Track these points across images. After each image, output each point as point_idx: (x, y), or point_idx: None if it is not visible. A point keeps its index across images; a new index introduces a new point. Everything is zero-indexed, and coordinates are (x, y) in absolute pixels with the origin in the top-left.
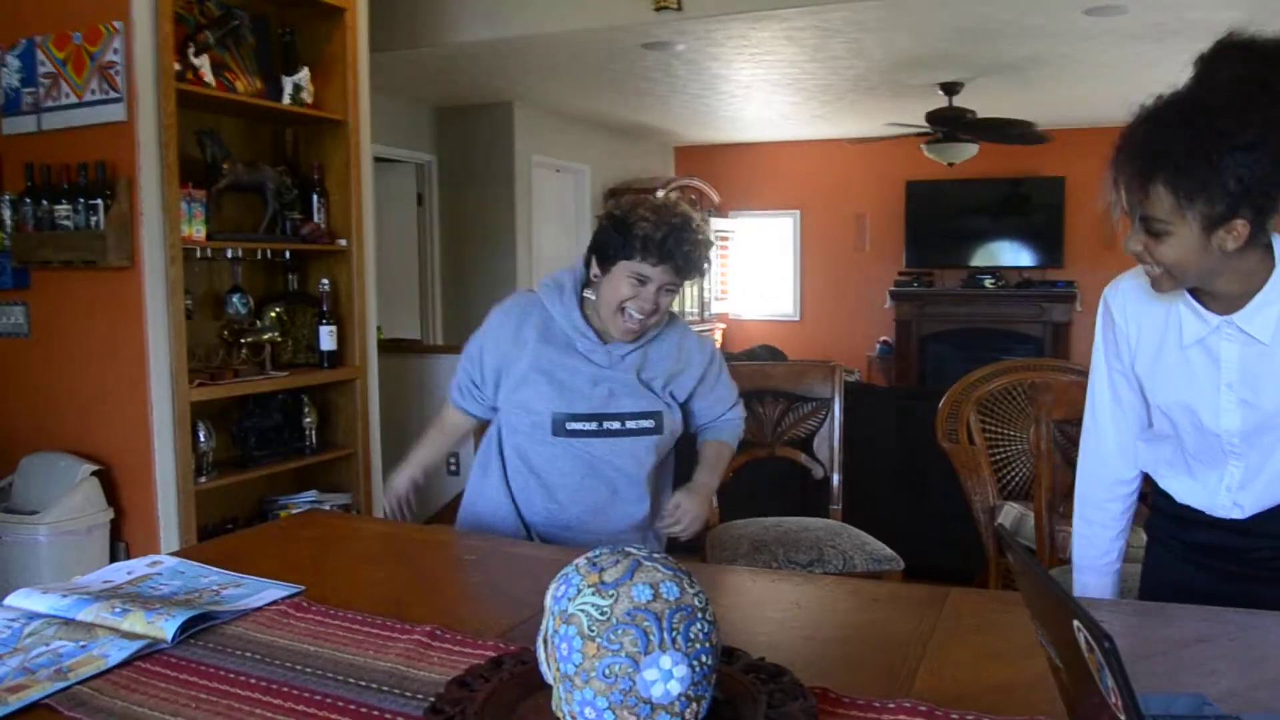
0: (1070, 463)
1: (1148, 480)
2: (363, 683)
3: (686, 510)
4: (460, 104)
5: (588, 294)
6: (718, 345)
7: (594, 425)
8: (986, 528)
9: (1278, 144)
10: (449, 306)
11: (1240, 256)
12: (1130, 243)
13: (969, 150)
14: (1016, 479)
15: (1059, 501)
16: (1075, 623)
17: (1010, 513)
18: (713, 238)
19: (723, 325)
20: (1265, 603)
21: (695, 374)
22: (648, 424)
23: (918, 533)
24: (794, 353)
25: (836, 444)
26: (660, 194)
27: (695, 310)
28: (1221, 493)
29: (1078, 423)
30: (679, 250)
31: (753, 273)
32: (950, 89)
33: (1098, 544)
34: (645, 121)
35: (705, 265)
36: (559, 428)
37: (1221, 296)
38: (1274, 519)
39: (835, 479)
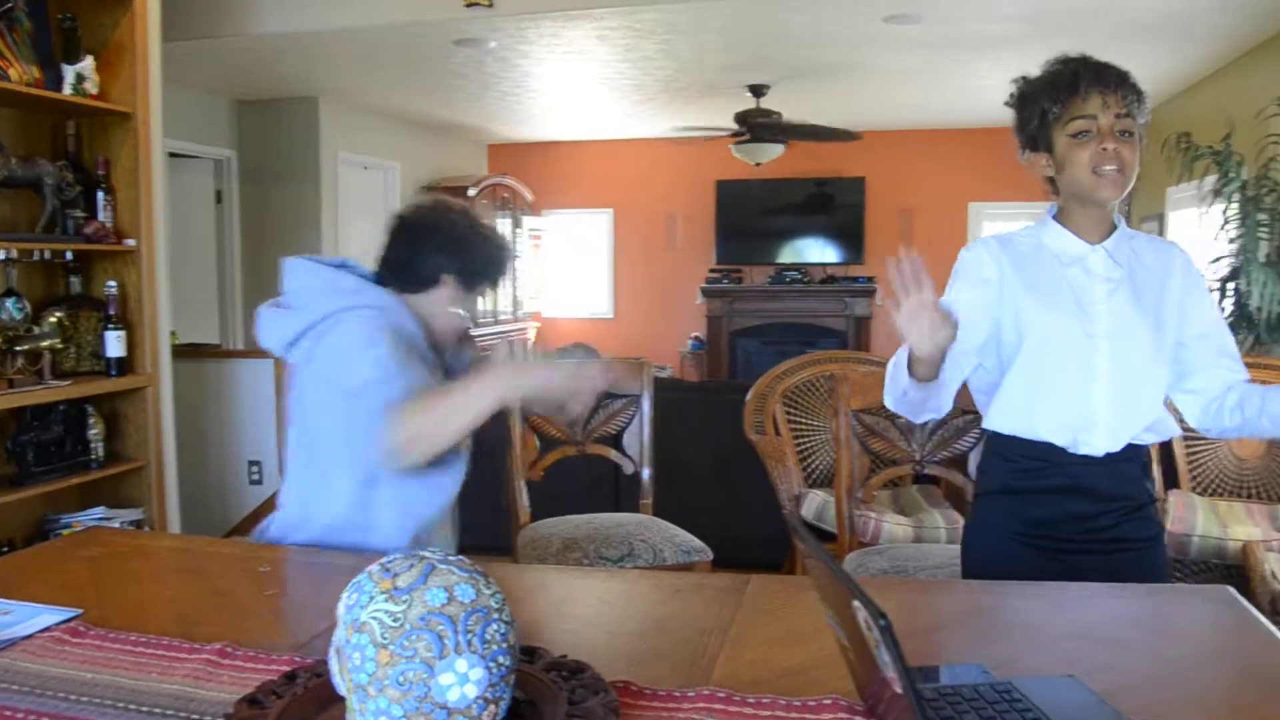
0: (867, 450)
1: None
2: (145, 708)
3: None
4: (262, 98)
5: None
6: (532, 343)
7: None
8: (792, 516)
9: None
10: (250, 309)
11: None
12: (1105, 143)
13: (776, 150)
14: (821, 467)
15: (858, 488)
16: (854, 602)
17: (814, 500)
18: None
19: (536, 324)
20: (1087, 576)
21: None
22: None
23: (728, 523)
24: (609, 350)
25: (646, 439)
26: (471, 192)
27: (508, 309)
28: (1098, 419)
29: (876, 411)
30: (507, 264)
31: (567, 271)
32: (757, 90)
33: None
34: (457, 118)
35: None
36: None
37: (1094, 225)
38: (1124, 469)
39: (645, 474)
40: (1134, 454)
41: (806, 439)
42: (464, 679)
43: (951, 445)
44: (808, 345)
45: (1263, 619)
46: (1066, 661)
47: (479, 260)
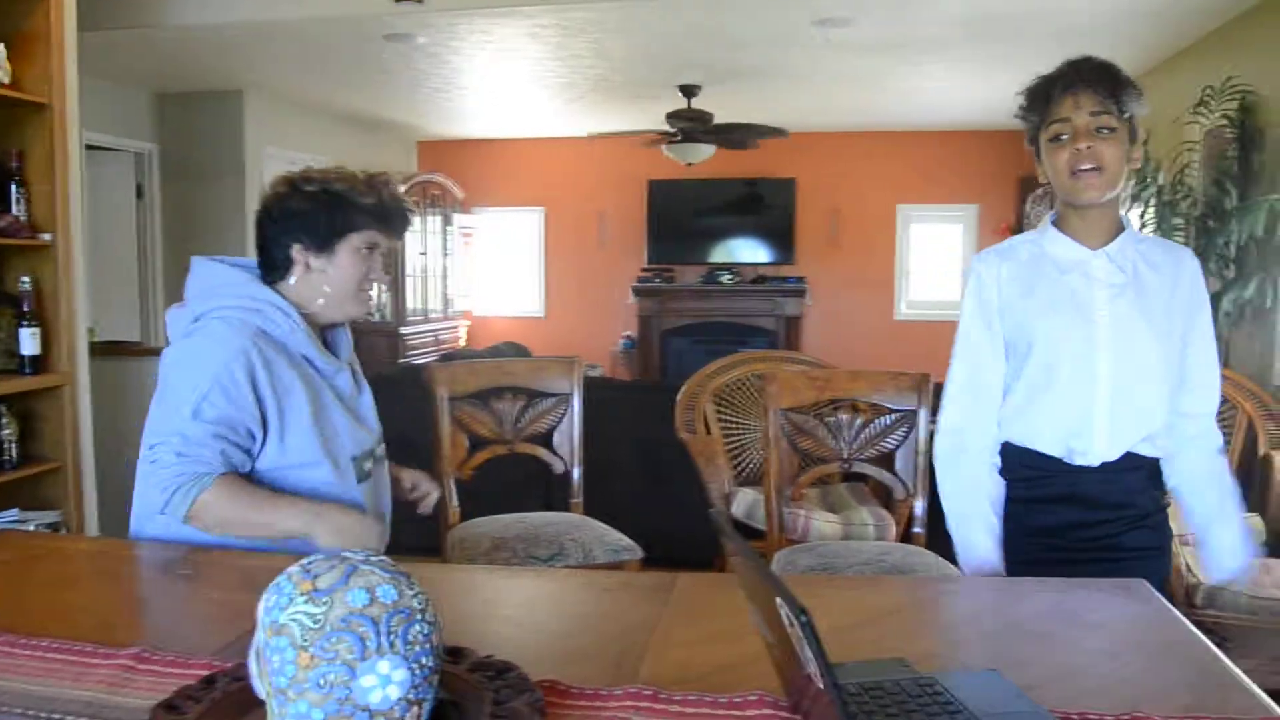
0: (796, 449)
1: None
2: (57, 716)
3: (426, 482)
4: (186, 90)
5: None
6: (462, 343)
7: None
8: (722, 514)
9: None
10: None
11: (1116, 195)
12: (1078, 144)
13: (707, 151)
14: (751, 466)
15: (787, 486)
16: (777, 599)
17: (745, 498)
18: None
19: (466, 322)
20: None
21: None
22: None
23: (659, 522)
24: (540, 349)
25: (577, 438)
26: (401, 189)
27: (438, 308)
28: (1094, 427)
29: (804, 410)
30: (398, 207)
31: (498, 269)
32: (689, 91)
33: (980, 499)
34: (387, 114)
35: (411, 220)
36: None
37: (1092, 229)
38: (1126, 479)
39: (576, 473)
40: (1136, 463)
41: (737, 437)
42: (386, 680)
43: (879, 444)
44: (739, 344)
45: (1176, 611)
46: (989, 656)
47: (317, 219)
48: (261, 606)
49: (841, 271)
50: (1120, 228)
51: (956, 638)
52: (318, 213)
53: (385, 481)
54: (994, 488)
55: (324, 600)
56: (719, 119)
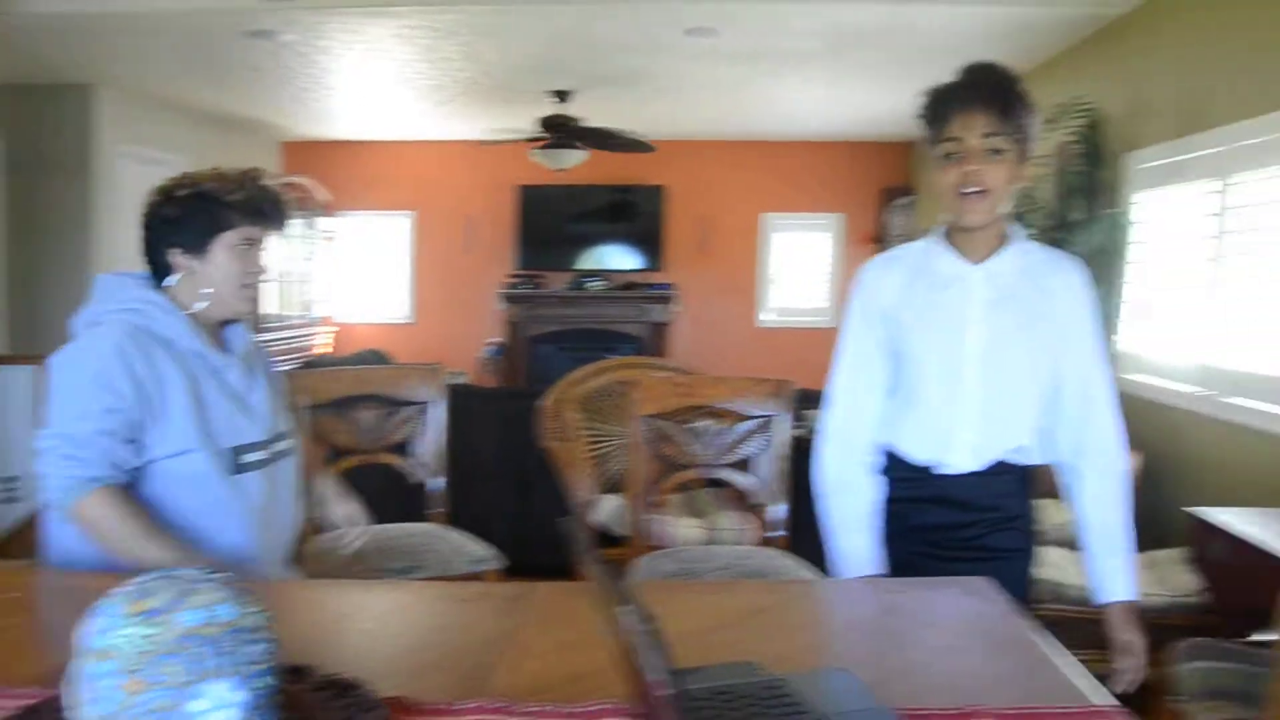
0: (659, 455)
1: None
2: None
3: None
4: (30, 83)
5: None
6: (324, 350)
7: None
8: (585, 521)
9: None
10: (15, 311)
11: (1003, 212)
12: (966, 166)
13: (577, 156)
14: (615, 472)
15: (649, 492)
16: (622, 606)
17: (609, 505)
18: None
19: (330, 328)
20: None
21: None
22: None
23: (524, 530)
24: (408, 356)
25: (438, 447)
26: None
27: (301, 314)
28: (959, 438)
29: (667, 417)
30: (270, 198)
31: (365, 274)
32: (561, 96)
33: (859, 502)
34: (250, 113)
35: (288, 213)
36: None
37: (976, 245)
38: (995, 483)
39: (437, 482)
40: (1005, 469)
41: (602, 444)
42: (223, 703)
43: (739, 449)
44: (607, 351)
45: (1015, 607)
46: (837, 656)
47: (189, 223)
48: (84, 630)
49: (709, 279)
50: (1005, 240)
51: (809, 639)
52: (190, 216)
53: (287, 481)
54: (872, 491)
55: (157, 621)
56: (590, 124)
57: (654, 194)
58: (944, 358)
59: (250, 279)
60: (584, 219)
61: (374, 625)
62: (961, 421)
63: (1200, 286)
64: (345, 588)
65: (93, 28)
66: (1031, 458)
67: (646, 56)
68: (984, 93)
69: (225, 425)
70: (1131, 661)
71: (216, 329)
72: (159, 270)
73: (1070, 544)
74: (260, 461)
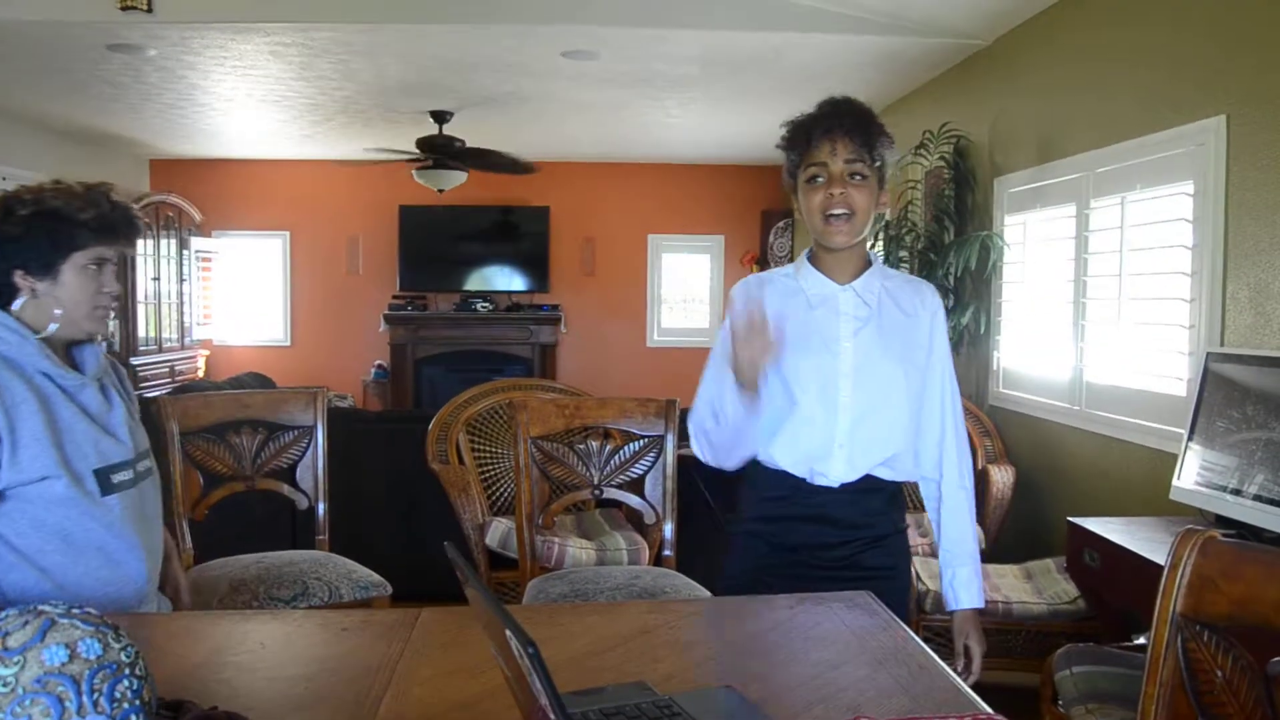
0: (547, 476)
1: (735, 489)
2: None
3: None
4: None
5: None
6: (200, 374)
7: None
8: (476, 545)
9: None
10: None
11: (864, 238)
12: (831, 189)
13: (458, 177)
14: (505, 495)
15: (539, 514)
16: (507, 631)
17: (499, 528)
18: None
19: (206, 352)
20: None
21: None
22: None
23: (412, 555)
24: (286, 379)
25: (321, 472)
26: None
27: (174, 336)
28: (836, 451)
29: (555, 438)
30: (122, 215)
31: (239, 296)
32: (440, 117)
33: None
34: (114, 129)
35: (141, 228)
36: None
37: (842, 267)
38: (866, 500)
39: (321, 508)
40: (875, 485)
41: (490, 467)
42: None
43: (628, 469)
44: (494, 372)
45: (896, 618)
46: (726, 673)
47: (35, 244)
48: None
49: (596, 299)
50: (868, 264)
51: (696, 657)
52: (35, 236)
53: (153, 500)
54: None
55: (15, 660)
56: (472, 144)
57: (539, 215)
58: (819, 374)
59: (103, 300)
60: (469, 240)
61: (252, 658)
62: (837, 434)
63: (1066, 305)
64: (224, 619)
65: None
66: (901, 473)
67: (527, 78)
68: (847, 122)
69: (88, 448)
70: (972, 665)
71: (67, 350)
72: (2, 292)
73: None
74: (128, 481)
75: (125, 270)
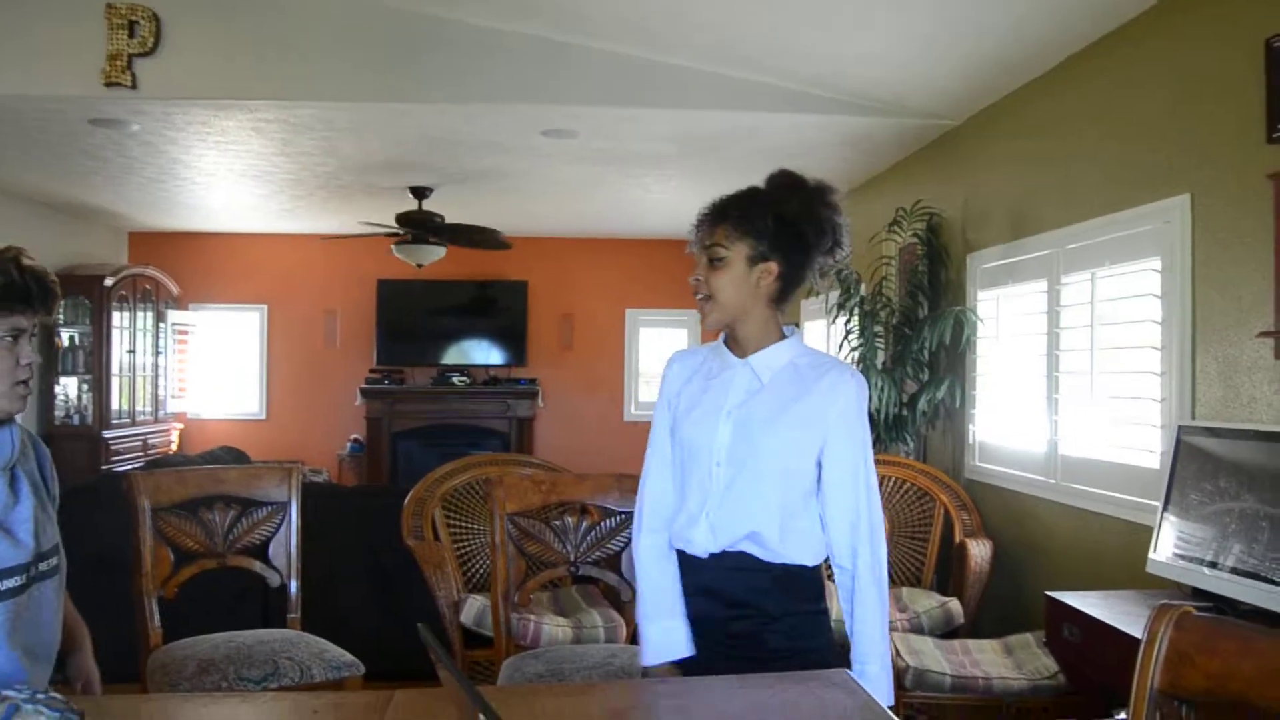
0: (524, 553)
1: None
2: None
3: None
4: None
5: None
6: (174, 448)
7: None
8: (451, 623)
9: (798, 232)
10: None
11: (764, 306)
12: (695, 276)
13: (437, 253)
14: (481, 571)
15: (514, 591)
16: (479, 716)
17: (474, 605)
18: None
19: (180, 425)
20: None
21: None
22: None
23: (387, 633)
24: (261, 453)
25: (294, 549)
26: (109, 282)
27: (148, 409)
28: (702, 520)
29: (531, 515)
30: (34, 280)
31: (215, 369)
32: (420, 193)
33: (668, 581)
34: (94, 202)
35: (58, 292)
36: None
37: (743, 342)
38: (739, 575)
39: (293, 586)
40: (747, 564)
41: (466, 543)
42: None
43: (605, 546)
44: (471, 447)
45: (874, 697)
46: None
47: None
48: None
49: (573, 373)
50: (779, 338)
51: None
52: None
53: (51, 601)
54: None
55: None
56: (451, 219)
57: (517, 289)
58: (699, 444)
59: (23, 374)
60: (446, 314)
61: None
62: (707, 504)
63: (1040, 379)
64: (190, 700)
65: None
66: (771, 554)
67: (506, 156)
68: (708, 210)
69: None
70: None
71: None
72: None
73: (934, 631)
74: (15, 589)
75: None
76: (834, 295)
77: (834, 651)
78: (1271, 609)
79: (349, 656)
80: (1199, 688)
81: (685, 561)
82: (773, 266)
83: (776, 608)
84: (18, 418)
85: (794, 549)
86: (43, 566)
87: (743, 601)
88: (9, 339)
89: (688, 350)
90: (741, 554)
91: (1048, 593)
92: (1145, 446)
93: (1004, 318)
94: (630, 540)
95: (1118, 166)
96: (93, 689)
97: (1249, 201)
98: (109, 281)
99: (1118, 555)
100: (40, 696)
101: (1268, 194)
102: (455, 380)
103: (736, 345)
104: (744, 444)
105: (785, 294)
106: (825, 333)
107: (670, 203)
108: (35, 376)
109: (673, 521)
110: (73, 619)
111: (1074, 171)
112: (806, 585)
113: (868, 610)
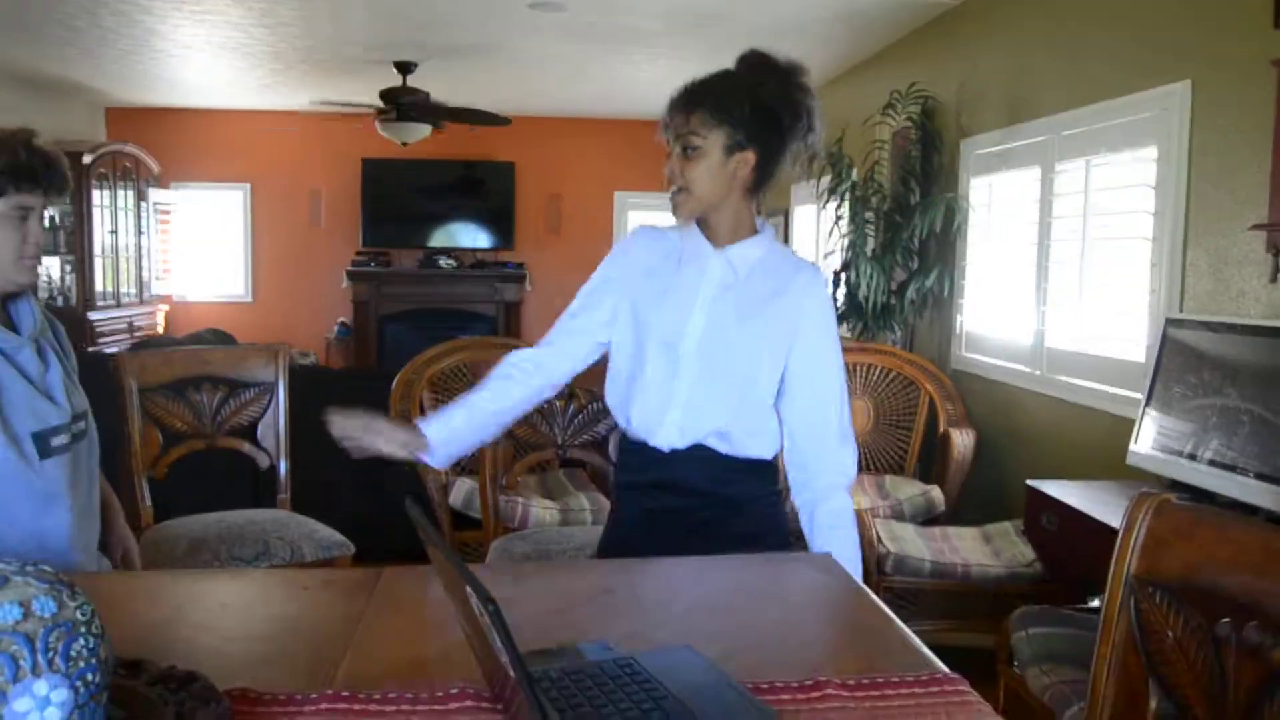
0: (511, 436)
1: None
2: None
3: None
4: None
5: None
6: (160, 330)
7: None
8: (440, 505)
9: (774, 118)
10: None
11: (740, 196)
12: (669, 167)
13: (422, 130)
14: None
15: (502, 474)
16: (467, 589)
17: (463, 487)
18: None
19: (165, 307)
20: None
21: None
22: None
23: (375, 514)
24: (247, 336)
25: (282, 430)
26: (87, 159)
27: (133, 291)
28: (669, 413)
29: None
30: (43, 162)
31: (199, 250)
32: (404, 68)
33: (488, 394)
34: (68, 75)
35: (68, 176)
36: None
37: (716, 232)
38: (702, 467)
39: (282, 467)
40: (707, 454)
41: None
42: (45, 703)
43: (591, 429)
44: (458, 330)
45: (858, 580)
46: (685, 632)
47: None
48: None
49: (561, 257)
50: (754, 232)
51: (656, 617)
52: None
53: (89, 465)
54: (501, 396)
55: None
56: (436, 98)
57: (504, 170)
58: (668, 333)
59: (29, 250)
60: (433, 195)
61: (211, 617)
62: (674, 398)
63: (1029, 269)
64: (182, 577)
65: None
66: (737, 449)
67: (491, 29)
68: (680, 96)
69: (24, 411)
70: None
71: (3, 308)
72: None
73: (915, 518)
74: (63, 445)
75: (78, 228)
76: (824, 180)
77: (791, 539)
78: (1247, 501)
79: (339, 536)
80: (1175, 574)
81: (644, 453)
82: (749, 156)
83: (744, 493)
84: (33, 293)
85: (756, 445)
86: (77, 428)
87: (706, 491)
88: (16, 217)
89: (655, 229)
90: (704, 447)
91: (1028, 481)
92: (1132, 339)
93: (996, 205)
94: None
95: (1119, 50)
96: (132, 560)
97: (1250, 90)
98: (87, 159)
99: (1099, 447)
100: (30, 569)
101: (1270, 82)
102: (442, 263)
103: (710, 233)
104: (717, 337)
105: (760, 184)
106: (815, 218)
107: (659, 82)
108: (39, 256)
109: (626, 408)
110: (106, 490)
111: (1074, 56)
112: (765, 473)
113: (848, 532)
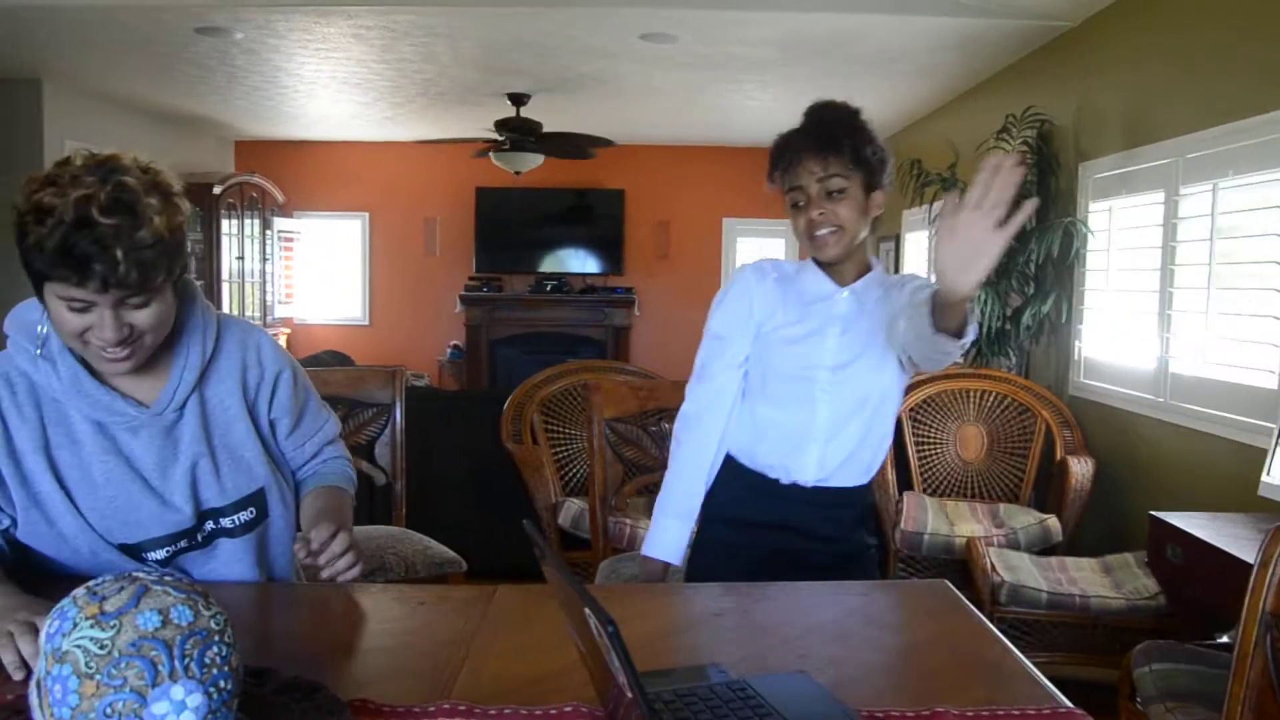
0: (621, 459)
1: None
2: None
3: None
4: None
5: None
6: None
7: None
8: (549, 525)
9: (884, 160)
10: None
11: (867, 234)
12: (810, 213)
13: (535, 160)
14: (578, 475)
15: (612, 495)
16: (585, 609)
17: (571, 508)
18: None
19: (287, 330)
20: None
21: (283, 390)
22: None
23: (485, 533)
24: (364, 358)
25: (399, 450)
26: (218, 190)
27: (257, 315)
28: (810, 448)
29: (628, 420)
30: (99, 251)
31: (320, 275)
32: (518, 99)
33: (693, 489)
34: (201, 111)
35: (158, 263)
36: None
37: (843, 270)
38: (835, 512)
39: (398, 485)
40: (843, 499)
41: (564, 447)
42: (181, 707)
43: None
44: (568, 354)
45: (973, 609)
46: (798, 658)
47: (24, 248)
48: (44, 634)
49: (669, 283)
50: (868, 268)
51: (768, 642)
52: (24, 248)
53: (228, 561)
54: (710, 477)
55: (111, 624)
56: (548, 128)
57: (613, 197)
58: (802, 370)
59: (93, 349)
60: (544, 222)
61: (332, 629)
62: (814, 431)
63: (1152, 294)
64: (306, 590)
65: (36, 20)
66: (859, 476)
67: (603, 61)
68: (813, 139)
69: (111, 514)
70: None
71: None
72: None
73: (1030, 548)
74: (162, 560)
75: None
76: (937, 205)
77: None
78: None
79: (452, 554)
80: None
81: (775, 491)
82: (879, 196)
83: (857, 546)
84: (203, 337)
85: (869, 471)
86: (215, 525)
87: (827, 536)
88: (75, 307)
89: (768, 264)
90: (839, 489)
91: (1152, 512)
92: (1263, 366)
93: (1116, 230)
94: None
95: (1246, 68)
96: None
97: None
98: (217, 189)
99: (1227, 477)
100: (169, 578)
101: None
102: (552, 288)
103: (834, 270)
104: (849, 373)
105: (878, 221)
106: (927, 245)
107: (770, 110)
108: (119, 350)
109: (755, 448)
110: (333, 505)
111: (1199, 75)
112: (868, 513)
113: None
